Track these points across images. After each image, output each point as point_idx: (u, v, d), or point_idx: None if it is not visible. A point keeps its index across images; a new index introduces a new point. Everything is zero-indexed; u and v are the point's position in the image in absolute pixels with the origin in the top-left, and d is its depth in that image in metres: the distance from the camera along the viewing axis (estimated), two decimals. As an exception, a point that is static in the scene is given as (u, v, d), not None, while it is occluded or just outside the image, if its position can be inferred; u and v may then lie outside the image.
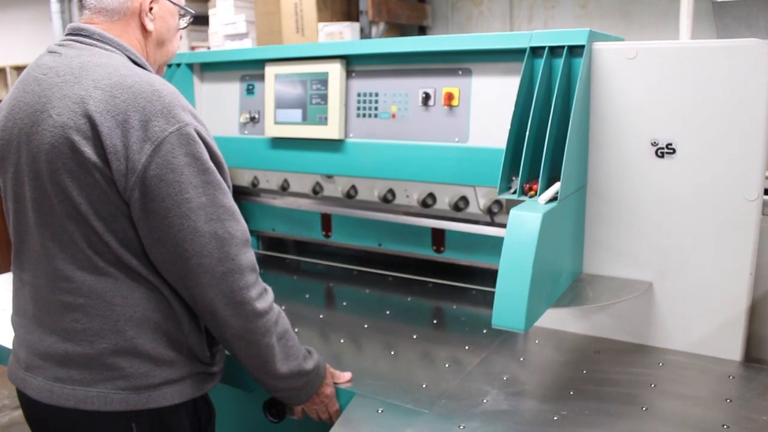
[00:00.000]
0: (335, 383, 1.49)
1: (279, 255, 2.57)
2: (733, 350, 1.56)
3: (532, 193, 1.49)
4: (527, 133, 1.51)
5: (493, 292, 1.31)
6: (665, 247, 1.59)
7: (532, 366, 1.62)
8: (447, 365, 1.62)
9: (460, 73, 1.85)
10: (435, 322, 1.94)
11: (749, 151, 1.46)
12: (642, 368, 1.56)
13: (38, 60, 1.33)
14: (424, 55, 1.90)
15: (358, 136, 2.04)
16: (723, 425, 1.30)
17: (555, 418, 1.35)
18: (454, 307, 2.00)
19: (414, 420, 1.35)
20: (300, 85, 2.10)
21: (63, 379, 1.28)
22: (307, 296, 2.14)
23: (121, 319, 1.26)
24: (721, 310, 1.56)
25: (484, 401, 1.42)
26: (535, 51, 1.60)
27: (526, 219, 1.33)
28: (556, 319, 1.76)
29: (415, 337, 1.78)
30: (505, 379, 1.52)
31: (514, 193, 1.51)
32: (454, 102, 1.86)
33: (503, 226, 1.88)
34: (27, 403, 1.36)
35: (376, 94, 2.00)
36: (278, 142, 2.20)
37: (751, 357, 1.61)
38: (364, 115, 2.03)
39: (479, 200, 1.99)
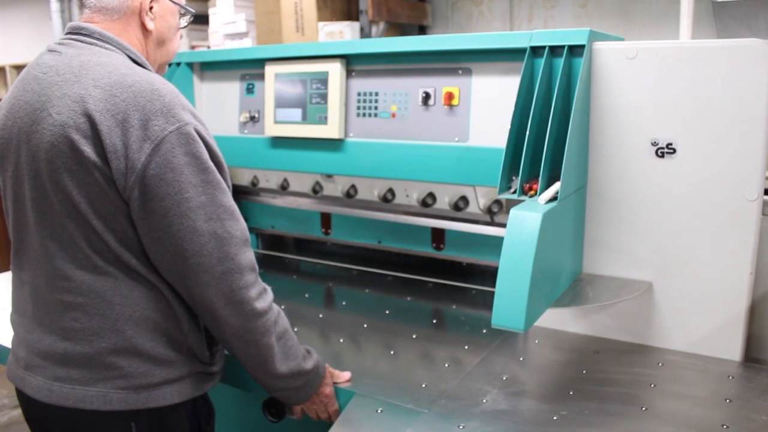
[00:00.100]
0: (335, 383, 1.49)
1: (278, 254, 2.57)
2: (733, 350, 1.56)
3: (532, 192, 1.49)
4: (527, 133, 1.51)
5: (493, 292, 1.31)
6: (665, 247, 1.59)
7: (531, 366, 1.62)
8: (447, 365, 1.62)
9: (460, 72, 1.85)
10: (435, 321, 1.94)
11: (749, 151, 1.46)
12: (642, 368, 1.56)
13: (38, 59, 1.33)
14: (424, 54, 1.90)
15: (357, 136, 2.04)
16: (722, 425, 1.30)
17: (554, 418, 1.35)
18: (454, 306, 2.00)
19: (413, 420, 1.35)
20: (300, 85, 2.10)
21: (62, 378, 1.27)
22: (306, 296, 2.14)
23: (120, 319, 1.26)
24: (720, 310, 1.56)
25: (484, 401, 1.42)
26: (536, 51, 1.60)
27: (526, 219, 1.33)
28: (555, 319, 1.76)
29: (414, 336, 1.78)
30: (504, 378, 1.52)
31: (514, 192, 1.51)
32: (454, 101, 1.85)
33: (503, 225, 1.88)
34: (26, 402, 1.36)
35: (376, 94, 2.00)
36: (278, 142, 2.20)
37: (750, 357, 1.61)
38: (364, 115, 2.03)
39: (479, 200, 1.99)
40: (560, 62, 1.55)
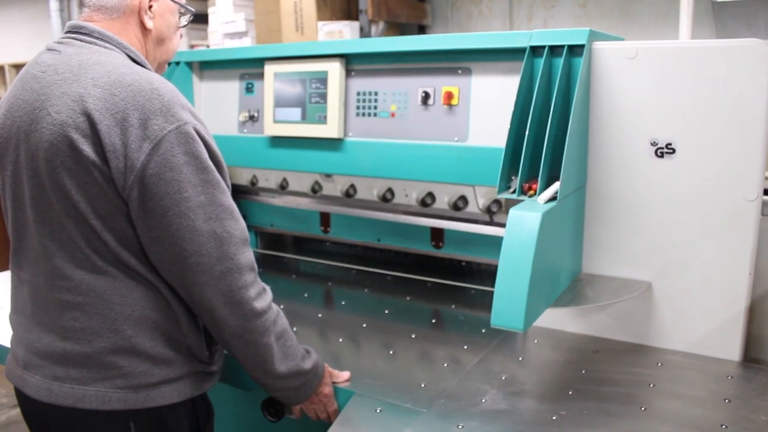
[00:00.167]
0: (334, 382, 1.49)
1: (278, 254, 2.57)
2: (732, 350, 1.56)
3: (531, 192, 1.49)
4: (527, 133, 1.51)
5: (492, 292, 1.31)
6: (664, 247, 1.59)
7: (530, 366, 1.62)
8: (446, 365, 1.62)
9: (459, 72, 1.85)
10: (434, 321, 1.94)
11: (748, 151, 1.46)
12: (641, 368, 1.56)
13: (37, 58, 1.33)
14: (424, 54, 1.90)
15: (357, 135, 2.04)
16: (721, 425, 1.30)
17: (554, 417, 1.35)
18: (453, 306, 2.00)
19: (413, 419, 1.35)
20: (299, 84, 2.10)
21: (61, 377, 1.27)
22: (305, 295, 2.14)
23: (119, 318, 1.26)
24: (720, 310, 1.56)
25: (483, 401, 1.42)
26: (535, 50, 1.60)
27: (526, 218, 1.33)
28: (555, 318, 1.76)
29: (413, 336, 1.78)
30: (503, 378, 1.52)
31: (514, 192, 1.51)
32: (454, 101, 1.85)
33: (502, 225, 1.88)
34: (25, 401, 1.36)
35: (376, 93, 2.00)
36: (277, 141, 2.20)
37: (749, 357, 1.61)
38: (363, 114, 2.03)
39: (478, 200, 1.99)
40: (560, 62, 1.55)
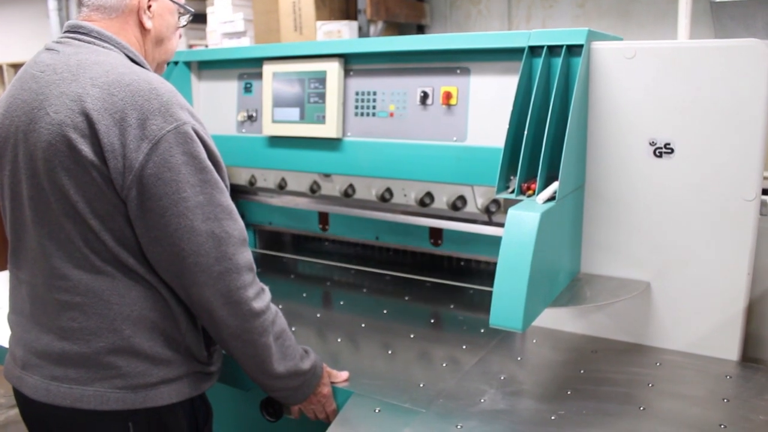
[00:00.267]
0: (332, 382, 1.49)
1: (276, 254, 2.57)
2: (731, 350, 1.57)
3: (530, 192, 1.49)
4: (525, 133, 1.51)
5: (491, 292, 1.31)
6: (663, 247, 1.59)
7: (529, 365, 1.62)
8: (444, 365, 1.62)
9: (458, 72, 1.85)
10: (432, 321, 1.94)
11: (747, 151, 1.46)
12: (639, 368, 1.56)
13: (36, 57, 1.33)
14: (423, 53, 1.90)
15: (355, 135, 2.04)
16: (720, 425, 1.30)
17: (552, 417, 1.35)
18: (452, 306, 2.00)
19: (411, 419, 1.35)
20: (298, 84, 2.09)
21: (60, 377, 1.27)
22: (304, 295, 2.14)
23: (118, 318, 1.26)
24: (718, 309, 1.56)
25: (482, 401, 1.42)
26: (534, 50, 1.60)
27: (524, 218, 1.33)
28: (553, 318, 1.76)
29: (412, 336, 1.78)
30: (502, 378, 1.52)
31: (512, 192, 1.51)
32: (453, 101, 1.85)
33: (501, 225, 1.89)
34: (23, 401, 1.35)
35: (374, 93, 2.00)
36: (276, 141, 2.20)
37: (748, 357, 1.61)
38: (362, 114, 2.03)
39: (477, 199, 1.99)
40: (558, 62, 1.55)
